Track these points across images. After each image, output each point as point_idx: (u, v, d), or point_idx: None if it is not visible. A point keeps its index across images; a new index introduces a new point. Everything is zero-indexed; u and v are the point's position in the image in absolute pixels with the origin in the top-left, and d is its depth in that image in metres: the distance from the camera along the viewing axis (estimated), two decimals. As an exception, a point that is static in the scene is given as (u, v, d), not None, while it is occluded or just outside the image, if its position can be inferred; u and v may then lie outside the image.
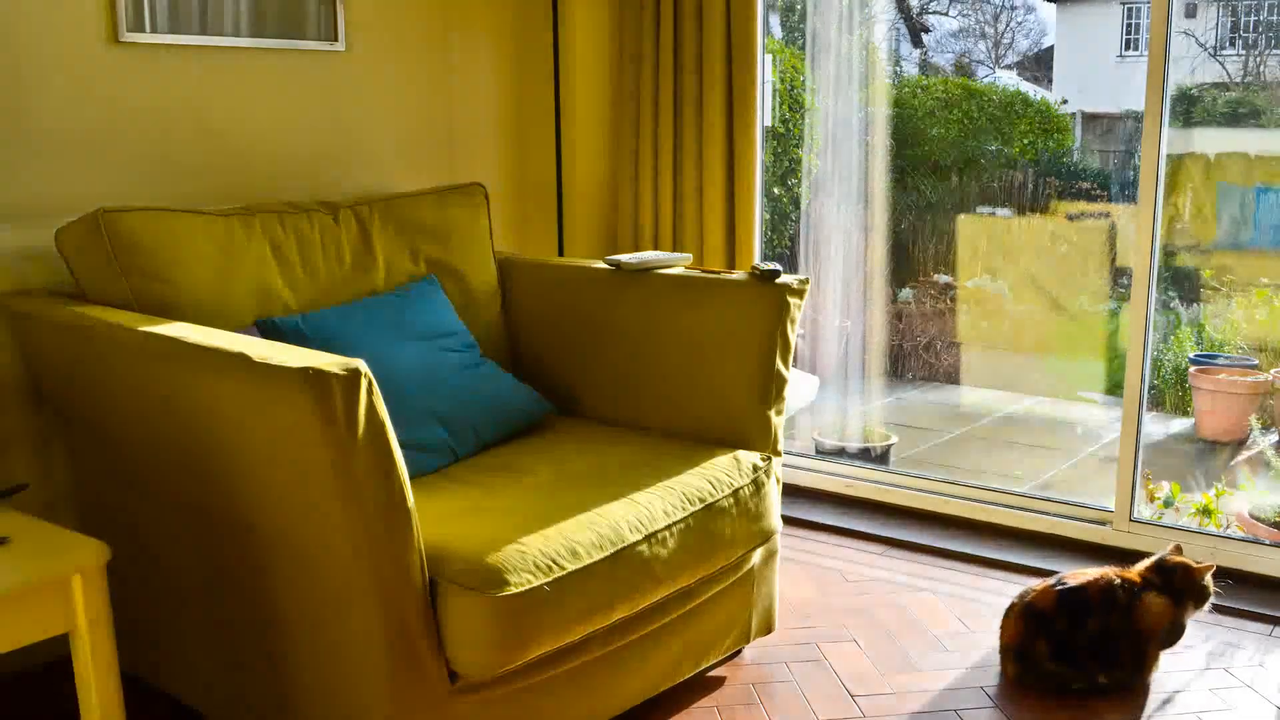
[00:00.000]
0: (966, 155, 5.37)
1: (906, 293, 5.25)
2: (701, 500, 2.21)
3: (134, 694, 2.09)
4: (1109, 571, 2.46)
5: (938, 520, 3.34)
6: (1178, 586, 2.43)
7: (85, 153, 2.49)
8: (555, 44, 3.39)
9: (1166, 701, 2.38)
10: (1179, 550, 2.50)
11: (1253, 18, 5.21)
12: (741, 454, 2.38)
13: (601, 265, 2.74)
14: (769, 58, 3.81)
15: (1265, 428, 4.45)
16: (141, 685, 2.31)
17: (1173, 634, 2.44)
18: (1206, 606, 2.46)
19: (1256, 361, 4.69)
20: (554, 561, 1.91)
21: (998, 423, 5.19)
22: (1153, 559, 2.49)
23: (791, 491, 3.52)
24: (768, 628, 2.56)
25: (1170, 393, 4.80)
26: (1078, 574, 2.48)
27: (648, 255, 2.70)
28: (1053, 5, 6.44)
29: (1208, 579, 2.44)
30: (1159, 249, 2.96)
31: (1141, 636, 2.40)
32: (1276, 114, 4.91)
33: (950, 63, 6.44)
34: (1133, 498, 3.06)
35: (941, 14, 6.60)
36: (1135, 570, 2.47)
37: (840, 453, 4.09)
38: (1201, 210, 4.92)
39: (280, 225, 2.46)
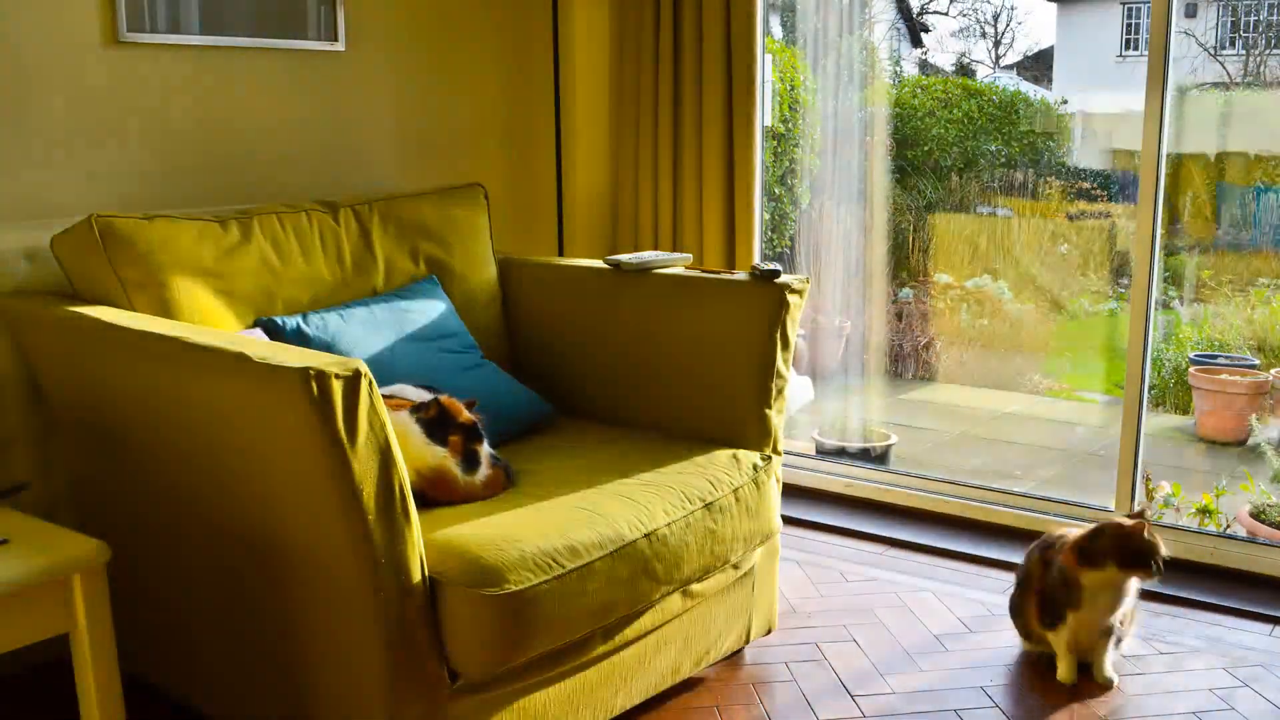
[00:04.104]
0: (966, 155, 5.37)
1: (906, 292, 5.25)
2: (702, 500, 2.20)
3: (134, 694, 2.09)
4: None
5: (938, 520, 3.34)
6: (1105, 550, 2.30)
7: (85, 153, 2.49)
8: (555, 44, 3.39)
9: (1166, 701, 2.38)
10: (1137, 515, 2.36)
11: (1253, 18, 5.22)
12: (742, 453, 2.38)
13: (601, 265, 2.74)
14: (769, 58, 3.81)
15: (1265, 427, 4.45)
16: (141, 685, 2.31)
17: (1116, 601, 2.35)
18: (1153, 573, 2.29)
19: (1257, 361, 4.69)
20: (554, 560, 1.91)
21: (997, 422, 5.19)
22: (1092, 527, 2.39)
23: (791, 491, 3.52)
24: (768, 628, 2.56)
25: (1170, 393, 4.80)
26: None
27: (648, 255, 2.70)
28: (1053, 5, 6.44)
29: (1147, 539, 2.28)
30: (1159, 249, 2.96)
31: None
32: (1276, 114, 4.91)
33: (950, 63, 6.44)
34: (1133, 498, 3.06)
35: (941, 14, 6.60)
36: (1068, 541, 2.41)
37: (840, 453, 4.09)
38: (1201, 210, 4.92)
39: (280, 225, 2.46)
